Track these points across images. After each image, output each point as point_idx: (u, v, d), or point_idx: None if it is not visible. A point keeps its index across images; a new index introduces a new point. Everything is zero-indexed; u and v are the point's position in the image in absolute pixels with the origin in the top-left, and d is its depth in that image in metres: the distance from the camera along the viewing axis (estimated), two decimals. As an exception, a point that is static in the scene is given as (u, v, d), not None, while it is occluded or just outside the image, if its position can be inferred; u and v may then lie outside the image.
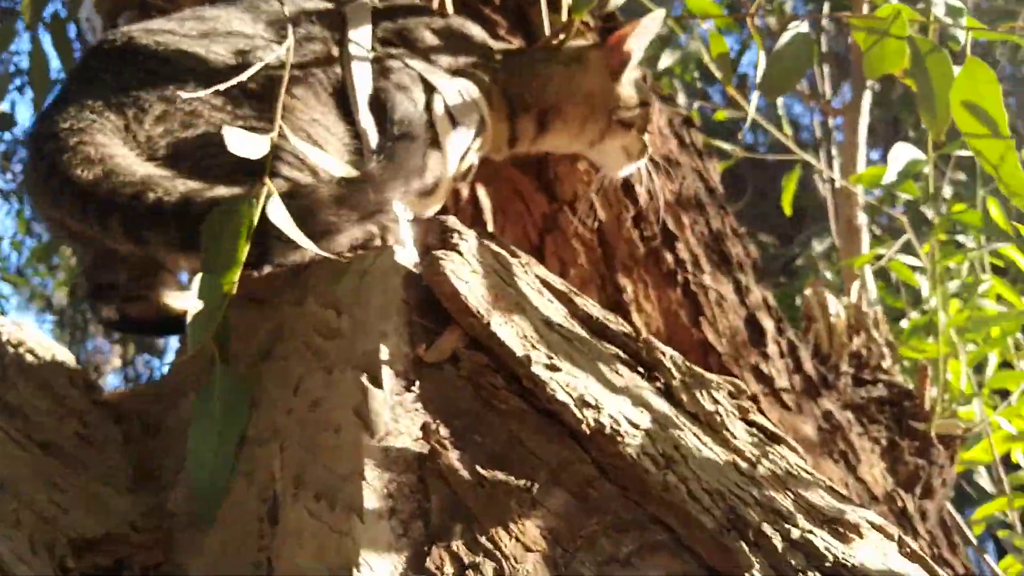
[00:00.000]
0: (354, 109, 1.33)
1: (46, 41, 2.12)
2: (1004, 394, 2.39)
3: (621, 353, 1.11)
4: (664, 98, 2.18)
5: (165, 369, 1.41)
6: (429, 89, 1.42)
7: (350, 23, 1.42)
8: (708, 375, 1.13)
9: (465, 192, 1.96)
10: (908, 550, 1.00)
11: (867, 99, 3.38)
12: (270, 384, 1.06)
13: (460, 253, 1.06)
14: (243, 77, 1.13)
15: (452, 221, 1.13)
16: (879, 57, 1.40)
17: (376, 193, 1.09)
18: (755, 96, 2.00)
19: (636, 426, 0.97)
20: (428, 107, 1.41)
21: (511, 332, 1.00)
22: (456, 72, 1.50)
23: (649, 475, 0.92)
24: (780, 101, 3.36)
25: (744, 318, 2.06)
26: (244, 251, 1.02)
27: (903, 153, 2.06)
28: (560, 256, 1.98)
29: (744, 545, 0.88)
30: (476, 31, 1.61)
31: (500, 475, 0.90)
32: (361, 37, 1.41)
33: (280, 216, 1.01)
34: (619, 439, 0.94)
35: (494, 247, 1.14)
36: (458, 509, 0.88)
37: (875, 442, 2.19)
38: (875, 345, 2.45)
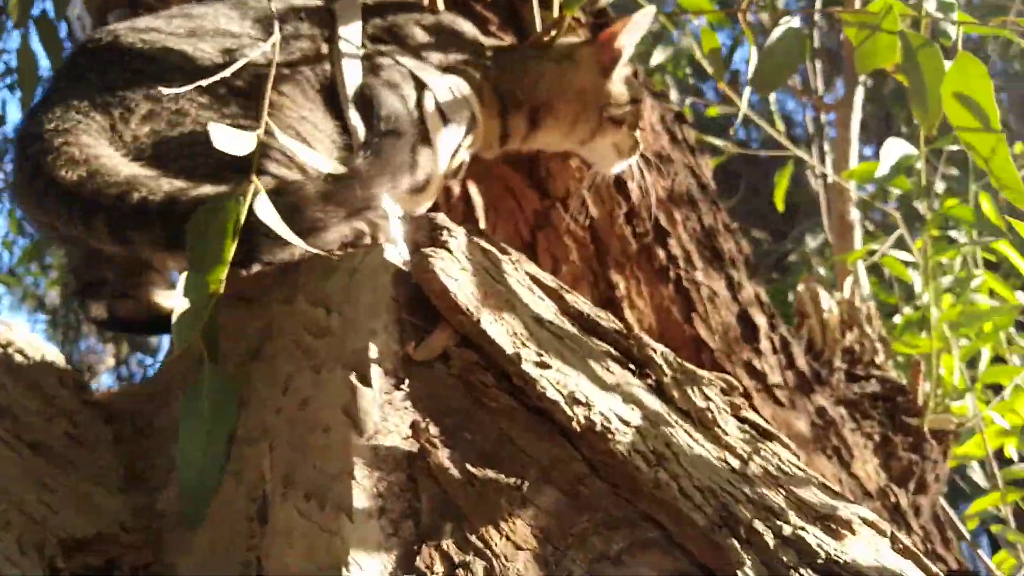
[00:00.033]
0: (344, 106, 1.33)
1: (35, 39, 2.10)
2: (997, 389, 2.39)
3: (612, 350, 1.11)
4: (656, 94, 2.18)
5: (157, 368, 1.40)
6: (420, 86, 1.42)
7: (340, 20, 1.42)
8: (699, 372, 1.13)
9: (457, 189, 1.96)
10: (901, 546, 1.00)
11: (859, 95, 3.38)
12: (259, 383, 1.06)
13: (450, 250, 1.06)
14: (227, 73, 1.12)
15: (441, 218, 1.13)
16: (871, 52, 1.40)
17: (363, 189, 1.09)
18: (747, 92, 2.00)
19: (627, 423, 0.96)
20: (419, 104, 1.40)
21: (501, 330, 1.00)
22: (447, 69, 1.50)
23: (640, 472, 0.92)
24: (772, 97, 3.36)
25: (736, 314, 2.05)
26: (231, 249, 1.01)
27: (895, 148, 2.06)
28: (552, 253, 1.98)
29: (735, 542, 0.88)
30: (467, 27, 1.60)
31: (490, 473, 0.90)
32: (351, 34, 1.40)
33: (268, 213, 1.01)
34: (610, 436, 0.94)
35: (484, 244, 1.13)
36: (448, 508, 0.87)
37: (868, 438, 2.19)
38: (868, 341, 2.45)
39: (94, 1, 2.00)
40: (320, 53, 1.36)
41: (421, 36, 1.50)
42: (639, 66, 2.10)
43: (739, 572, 0.85)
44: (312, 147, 1.21)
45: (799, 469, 1.05)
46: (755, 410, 1.15)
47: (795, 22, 1.57)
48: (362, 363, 0.95)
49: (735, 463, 1.00)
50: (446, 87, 1.46)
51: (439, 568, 0.82)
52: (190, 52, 1.25)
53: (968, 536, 2.49)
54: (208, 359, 1.01)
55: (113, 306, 1.29)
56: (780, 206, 2.89)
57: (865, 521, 0.99)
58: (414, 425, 0.92)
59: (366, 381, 0.94)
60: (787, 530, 0.91)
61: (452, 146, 1.47)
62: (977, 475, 2.62)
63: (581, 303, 1.17)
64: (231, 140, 1.05)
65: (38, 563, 0.93)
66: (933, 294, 2.33)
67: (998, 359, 2.50)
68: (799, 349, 2.19)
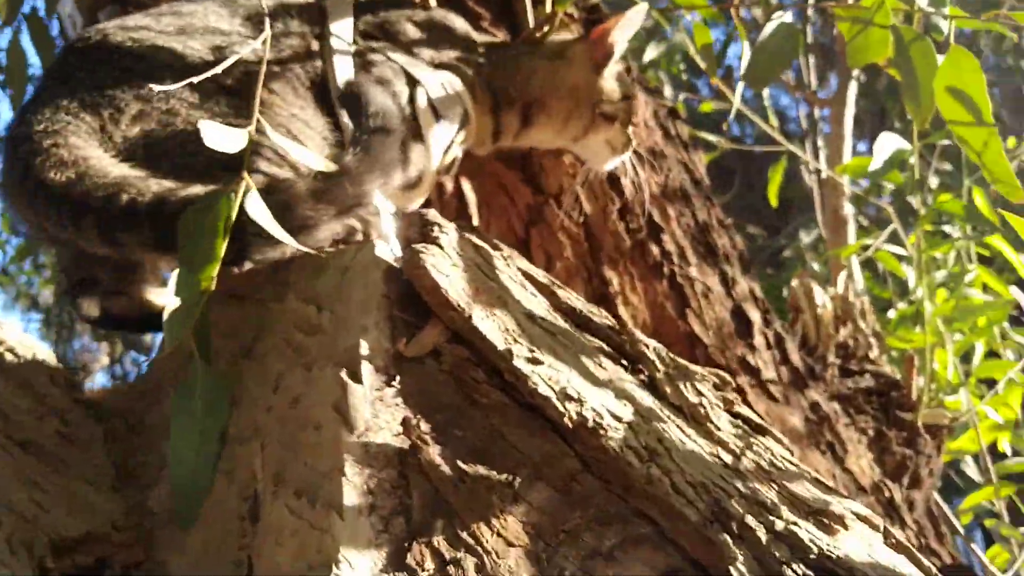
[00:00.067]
0: (335, 103, 1.32)
1: (26, 37, 2.09)
2: (991, 383, 2.39)
3: (604, 346, 1.11)
4: (649, 90, 2.17)
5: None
6: (412, 82, 1.42)
7: (331, 16, 1.41)
8: (692, 367, 1.13)
9: (450, 186, 1.95)
10: (894, 541, 1.00)
11: (853, 90, 3.38)
12: (251, 382, 1.05)
13: (440, 246, 1.05)
14: (217, 70, 1.12)
15: (432, 214, 1.12)
16: (863, 46, 1.40)
17: (353, 187, 1.08)
18: (740, 87, 1.99)
19: (619, 419, 0.96)
20: (411, 100, 1.40)
21: (492, 326, 1.00)
22: (439, 65, 1.49)
23: (632, 468, 0.92)
24: (766, 92, 3.36)
25: (731, 310, 2.05)
26: (222, 246, 1.00)
27: (889, 142, 2.06)
28: (546, 249, 1.97)
29: (728, 537, 0.88)
30: (459, 24, 1.60)
31: (482, 470, 0.90)
32: (342, 30, 1.40)
33: (259, 211, 1.00)
34: (602, 432, 0.93)
35: (475, 240, 1.13)
36: (439, 504, 0.87)
37: (862, 432, 2.19)
38: (862, 335, 2.45)
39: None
40: (310, 50, 1.36)
41: (413, 32, 1.50)
42: (632, 62, 2.10)
43: (731, 568, 0.85)
44: (303, 144, 1.21)
45: (792, 464, 1.05)
46: (748, 405, 1.15)
47: (788, 17, 1.56)
48: (353, 360, 0.95)
49: (728, 458, 1.00)
50: (438, 83, 1.46)
51: (430, 565, 0.82)
52: (180, 50, 1.24)
53: (962, 531, 2.49)
54: (200, 357, 1.01)
55: (105, 304, 1.29)
56: (774, 201, 2.89)
57: (858, 516, 0.99)
58: (405, 422, 0.92)
59: (357, 378, 0.93)
60: (780, 525, 0.91)
61: (445, 142, 1.47)
62: (971, 470, 2.63)
63: (573, 299, 1.16)
64: (222, 137, 1.04)
65: (28, 562, 0.93)
66: (927, 289, 2.33)
67: (992, 354, 2.50)
68: (793, 344, 2.19)
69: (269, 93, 1.24)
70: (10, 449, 1.07)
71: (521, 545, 0.86)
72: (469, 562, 0.83)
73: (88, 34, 1.29)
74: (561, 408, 0.94)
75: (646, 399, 1.03)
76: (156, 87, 1.11)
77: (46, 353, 1.28)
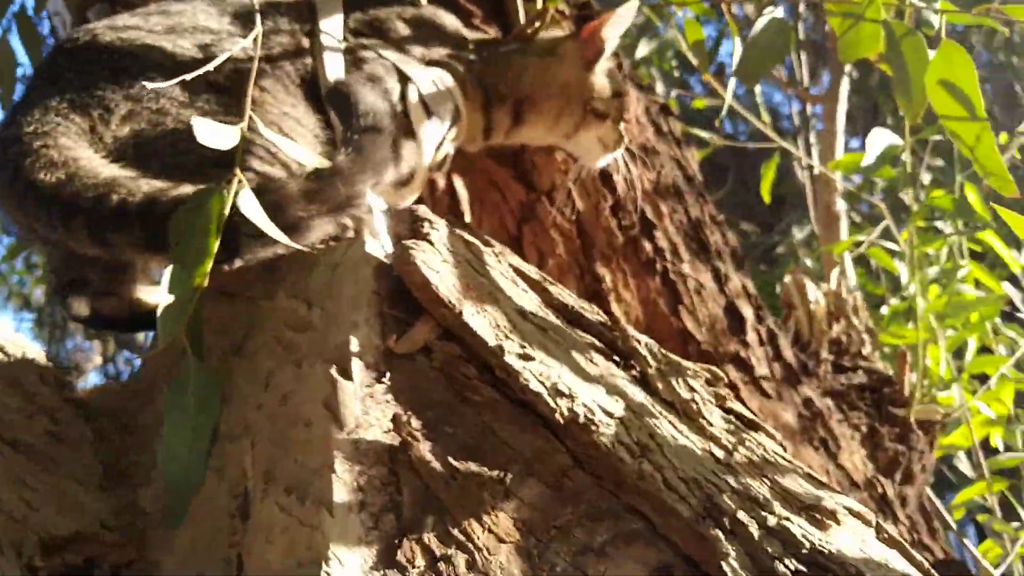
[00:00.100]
0: (325, 100, 1.32)
1: (13, 37, 2.08)
2: (983, 379, 2.40)
3: (596, 342, 1.11)
4: (642, 87, 2.17)
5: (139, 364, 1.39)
6: (403, 79, 1.41)
7: (321, 13, 1.41)
8: (684, 363, 1.12)
9: (442, 183, 1.95)
10: (886, 536, 0.99)
11: (845, 86, 3.38)
12: (241, 379, 1.05)
13: (431, 242, 1.05)
14: (210, 67, 1.12)
15: (423, 210, 1.12)
16: (854, 41, 1.40)
17: (346, 187, 1.08)
18: (731, 82, 1.99)
19: (611, 415, 0.96)
20: (403, 97, 1.39)
21: (483, 322, 0.99)
22: (430, 62, 1.49)
23: (624, 464, 0.92)
24: (758, 89, 3.36)
25: (723, 306, 2.05)
26: (215, 243, 1.00)
27: (881, 138, 2.06)
28: (538, 246, 1.97)
29: (720, 533, 0.88)
30: (449, 20, 1.59)
31: (473, 466, 0.90)
32: (332, 27, 1.39)
33: (252, 208, 1.00)
34: (593, 428, 0.93)
35: (466, 236, 1.13)
36: (430, 501, 0.87)
37: (855, 429, 2.19)
38: (855, 332, 2.45)
39: (73, -2, 1.99)
40: (301, 47, 1.36)
41: (403, 29, 1.50)
42: (624, 59, 2.10)
43: (724, 563, 0.85)
44: (295, 142, 1.21)
45: (784, 460, 1.05)
46: (741, 401, 1.15)
47: (779, 12, 1.56)
48: (343, 357, 0.95)
49: (720, 454, 1.00)
50: (429, 80, 1.45)
51: (420, 562, 0.81)
52: (169, 49, 1.24)
53: (954, 526, 2.50)
54: (192, 354, 1.01)
55: (95, 304, 1.28)
56: (767, 198, 2.89)
57: (851, 511, 0.99)
58: (396, 418, 0.92)
59: (347, 375, 0.93)
60: (772, 521, 0.91)
61: (436, 139, 1.46)
62: (963, 465, 2.63)
63: (565, 295, 1.16)
64: (215, 134, 1.04)
65: (16, 562, 0.92)
66: (919, 285, 2.34)
67: (984, 349, 2.50)
68: (786, 341, 2.19)
69: (260, 91, 1.23)
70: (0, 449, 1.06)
71: (512, 541, 0.86)
72: (460, 559, 0.83)
73: (77, 34, 1.28)
74: (552, 404, 0.94)
75: (638, 395, 1.03)
76: (150, 85, 1.11)
77: (36, 352, 1.27)
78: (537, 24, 1.68)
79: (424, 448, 0.90)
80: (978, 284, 2.49)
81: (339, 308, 1.01)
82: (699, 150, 2.55)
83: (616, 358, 1.09)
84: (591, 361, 1.05)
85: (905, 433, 2.24)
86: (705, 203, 2.15)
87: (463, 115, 1.52)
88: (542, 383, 0.95)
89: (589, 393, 0.98)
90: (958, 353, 2.47)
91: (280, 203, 1.04)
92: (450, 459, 0.90)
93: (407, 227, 1.10)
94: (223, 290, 1.14)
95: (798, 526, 0.91)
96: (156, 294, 1.28)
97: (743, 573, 0.85)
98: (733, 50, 1.77)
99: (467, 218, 1.97)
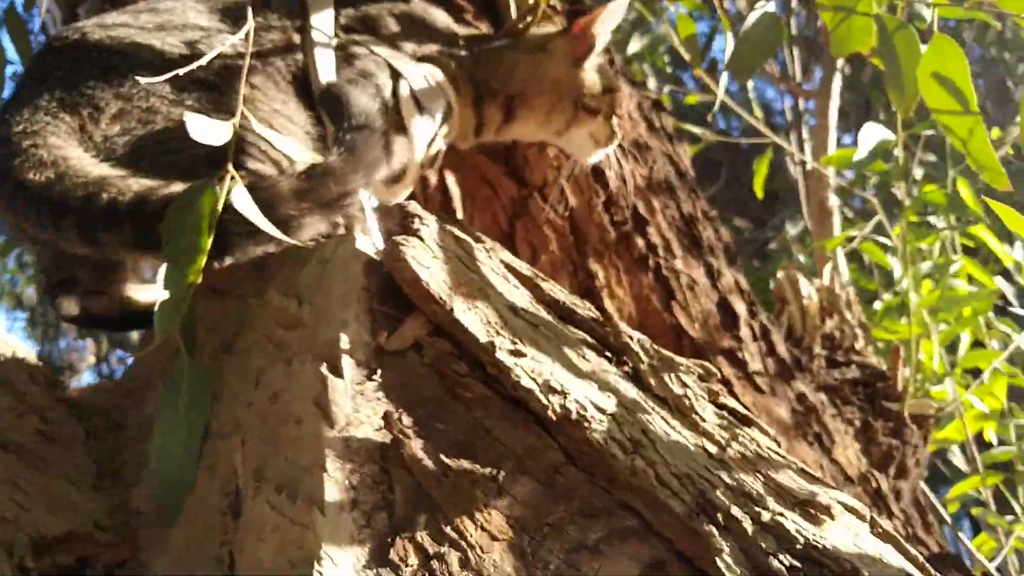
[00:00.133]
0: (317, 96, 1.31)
1: (3, 34, 2.07)
2: (976, 373, 2.40)
3: (588, 338, 1.10)
4: (634, 83, 2.17)
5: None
6: (395, 75, 1.41)
7: (312, 9, 1.40)
8: (677, 358, 1.12)
9: (433, 179, 1.94)
10: (880, 530, 0.99)
11: (837, 82, 3.38)
12: (231, 377, 1.05)
13: (421, 238, 1.04)
14: (197, 64, 1.11)
15: (413, 206, 1.12)
16: (846, 35, 1.40)
17: (338, 186, 1.07)
18: (724, 77, 1.99)
19: (603, 411, 0.96)
20: (395, 93, 1.39)
21: (474, 318, 0.99)
22: (422, 58, 1.49)
23: (617, 460, 0.91)
24: (751, 85, 3.36)
25: (716, 302, 2.05)
26: (208, 239, 1.00)
27: (873, 133, 2.06)
28: (531, 242, 1.97)
29: (714, 529, 0.87)
30: (440, 17, 1.59)
31: (465, 464, 0.89)
32: (323, 22, 1.39)
33: (245, 204, 0.99)
34: (586, 425, 0.93)
35: (456, 232, 1.12)
36: (422, 499, 0.86)
37: (849, 423, 2.19)
38: (848, 327, 2.45)
39: (64, -5, 1.98)
40: (291, 44, 1.35)
41: (394, 26, 1.49)
42: (616, 55, 2.09)
43: (717, 559, 0.85)
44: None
45: (778, 455, 1.04)
46: (735, 397, 1.15)
47: (771, 7, 1.56)
48: (333, 354, 0.94)
49: (713, 449, 0.99)
50: (421, 76, 1.45)
51: (413, 560, 0.81)
52: (159, 46, 1.23)
53: (949, 520, 2.50)
54: (186, 351, 1.00)
55: (85, 303, 1.28)
56: (759, 193, 2.89)
57: (845, 506, 0.99)
58: (387, 416, 0.91)
59: (337, 372, 0.93)
60: (766, 516, 0.90)
61: (428, 135, 1.46)
62: (957, 459, 2.63)
63: (557, 291, 1.16)
64: (207, 130, 1.03)
65: (7, 562, 0.92)
66: (912, 280, 2.34)
67: (977, 344, 2.51)
68: (779, 336, 2.19)
69: (251, 88, 1.23)
70: (-11, 448, 1.06)
71: (505, 539, 0.85)
72: (453, 556, 0.82)
73: (66, 33, 1.28)
74: (544, 400, 0.94)
75: (630, 391, 1.03)
76: (142, 80, 1.10)
77: (26, 351, 1.27)
78: (528, 19, 1.67)
79: (416, 445, 0.90)
80: (971, 279, 2.49)
81: (329, 305, 1.00)
82: (692, 146, 2.56)
83: (608, 354, 1.09)
84: (583, 357, 1.05)
85: (899, 427, 2.24)
86: (698, 199, 2.15)
87: (455, 111, 1.52)
88: (534, 379, 0.95)
89: (581, 389, 0.97)
90: (951, 348, 2.47)
91: (271, 201, 1.04)
92: (442, 456, 0.89)
93: (397, 223, 1.10)
94: (214, 288, 1.13)
95: (792, 521, 0.91)
96: (146, 292, 1.28)
97: (737, 569, 0.84)
98: (725, 46, 1.76)
99: (459, 214, 1.97)
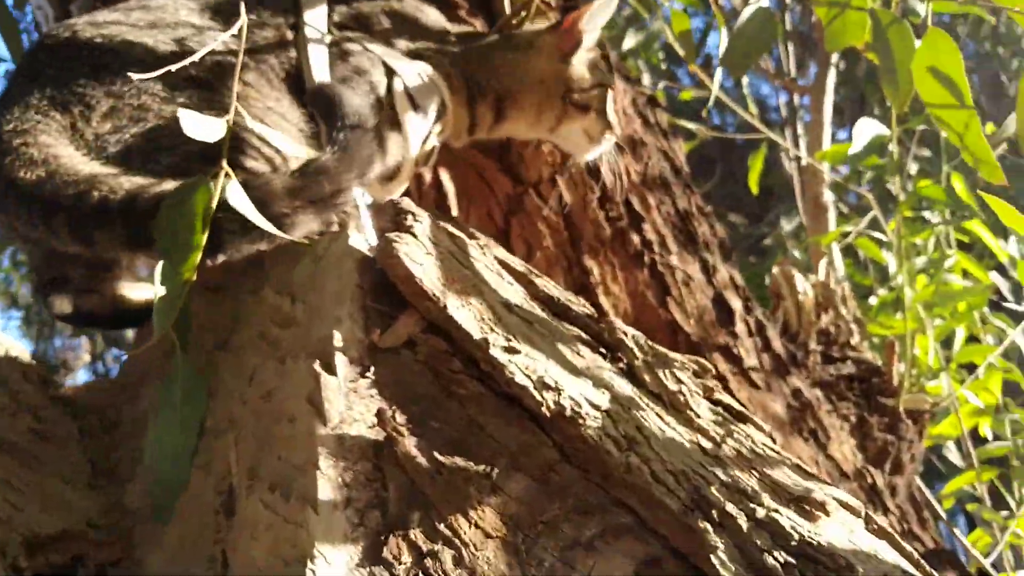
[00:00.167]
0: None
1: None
2: (971, 368, 2.40)
3: (583, 334, 1.10)
4: (629, 79, 2.16)
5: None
6: (389, 72, 1.40)
7: (305, 6, 1.40)
8: (671, 354, 1.12)
9: (428, 176, 1.94)
10: (875, 526, 0.99)
11: (832, 77, 3.38)
12: (226, 375, 1.05)
13: (414, 235, 1.04)
14: (189, 61, 1.11)
15: (406, 203, 1.11)
16: (841, 30, 1.39)
17: (331, 184, 1.07)
18: (718, 73, 1.99)
19: (597, 408, 0.95)
20: (389, 89, 1.39)
21: (468, 315, 0.99)
22: (415, 56, 1.48)
23: (611, 457, 0.91)
24: (746, 80, 3.36)
25: (712, 298, 2.05)
26: (202, 236, 0.99)
27: (868, 128, 2.06)
28: (526, 239, 1.97)
29: (708, 525, 0.87)
30: (433, 14, 1.58)
31: (459, 461, 0.89)
32: (316, 18, 1.38)
33: (239, 199, 0.99)
34: (580, 421, 0.93)
35: (450, 228, 1.12)
36: (416, 497, 0.86)
37: (844, 419, 2.20)
38: (843, 322, 2.45)
39: (55, -9, 1.97)
40: (284, 41, 1.34)
41: (387, 23, 1.49)
42: (611, 51, 2.09)
43: (712, 556, 0.85)
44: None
45: (773, 451, 1.04)
46: (730, 393, 1.15)
47: (765, 2, 1.56)
48: (326, 352, 0.94)
49: (708, 446, 0.99)
50: (415, 73, 1.44)
51: (407, 558, 0.81)
52: (151, 44, 1.23)
53: (944, 515, 2.51)
54: (180, 348, 1.00)
55: (78, 302, 1.27)
56: (754, 188, 2.89)
57: (840, 502, 0.98)
58: (380, 413, 0.91)
59: (331, 370, 0.92)
60: (760, 512, 0.90)
61: (423, 132, 1.45)
62: (952, 454, 2.64)
63: (551, 287, 1.16)
64: (201, 127, 1.03)
65: (0, 562, 0.92)
66: (907, 275, 2.34)
67: (972, 339, 2.51)
68: (774, 332, 2.19)
69: (244, 86, 1.22)
70: (-18, 447, 1.06)
71: (499, 536, 0.85)
72: (447, 554, 0.82)
73: (57, 31, 1.27)
74: (539, 397, 0.93)
75: (625, 387, 1.03)
76: (134, 76, 1.09)
77: (19, 350, 1.26)
78: (523, 14, 1.67)
79: (409, 443, 0.89)
80: (965, 274, 2.50)
81: (322, 302, 1.00)
82: (687, 142, 2.55)
83: (603, 350, 1.09)
84: (577, 354, 1.05)
85: (894, 423, 2.25)
86: (693, 194, 2.15)
87: (449, 109, 1.51)
88: (528, 376, 0.95)
89: (576, 386, 0.97)
90: (946, 343, 2.47)
91: (264, 199, 1.03)
92: (436, 454, 0.89)
93: (390, 220, 1.09)
94: (209, 285, 1.13)
95: (787, 518, 0.91)
96: (139, 291, 1.28)
97: (732, 566, 0.84)
98: (720, 42, 1.76)
99: (454, 211, 1.96)
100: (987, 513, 2.31)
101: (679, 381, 1.07)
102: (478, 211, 1.98)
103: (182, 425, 0.98)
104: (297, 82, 1.32)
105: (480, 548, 0.83)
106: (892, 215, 2.42)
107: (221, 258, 1.10)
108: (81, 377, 6.61)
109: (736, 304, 2.08)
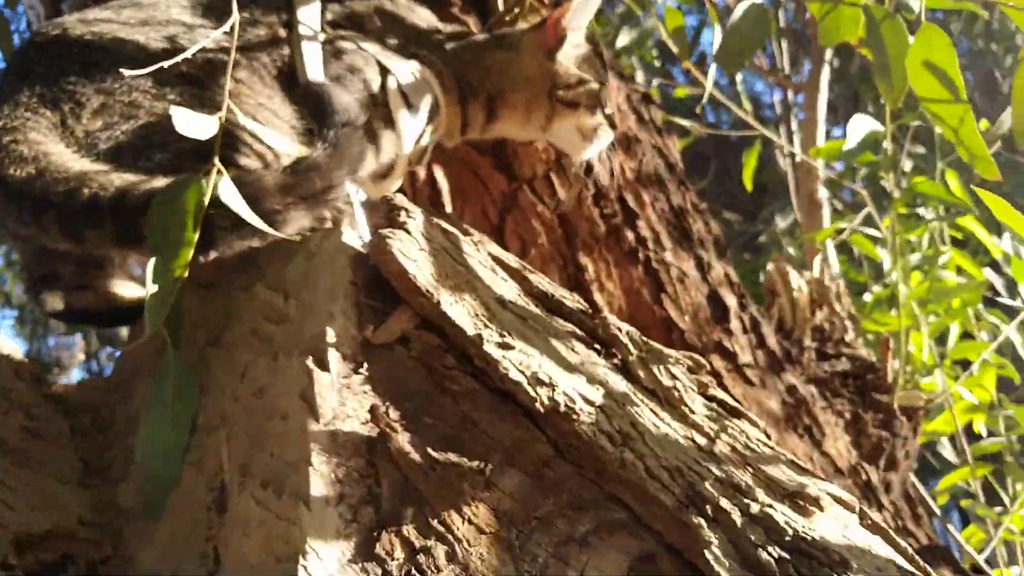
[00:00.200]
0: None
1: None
2: (965, 364, 2.40)
3: (577, 330, 1.10)
4: (623, 76, 2.16)
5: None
6: (383, 71, 1.40)
7: (298, 3, 1.39)
8: (666, 350, 1.11)
9: (422, 173, 1.94)
10: (870, 522, 0.99)
11: (826, 75, 3.38)
12: (218, 371, 1.04)
13: (408, 231, 1.04)
14: (181, 57, 1.10)
15: (399, 199, 1.11)
16: (834, 25, 1.39)
17: (322, 180, 1.07)
18: (712, 70, 1.99)
19: (591, 403, 0.95)
20: (383, 87, 1.38)
21: (462, 311, 0.98)
22: (409, 55, 1.48)
23: (606, 453, 0.91)
24: (740, 77, 3.36)
25: (706, 294, 2.05)
26: (194, 233, 0.99)
27: (862, 124, 2.06)
28: (520, 236, 1.96)
29: (703, 521, 0.87)
30: (425, 14, 1.58)
31: (452, 457, 0.89)
32: (310, 17, 1.38)
33: (231, 196, 0.99)
34: (574, 417, 0.92)
35: (444, 224, 1.12)
36: (409, 493, 0.86)
37: (839, 415, 2.20)
38: (838, 319, 2.46)
39: (46, -12, 1.96)
40: (277, 38, 1.34)
41: (380, 22, 1.48)
42: (606, 49, 2.09)
43: (706, 551, 0.84)
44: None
45: (767, 447, 1.04)
46: (725, 389, 1.15)
47: (759, -2, 1.56)
48: (319, 348, 0.94)
49: (702, 441, 0.99)
50: (408, 72, 1.44)
51: (399, 554, 0.81)
52: (142, 41, 1.22)
53: (938, 511, 2.51)
54: (171, 345, 1.00)
55: (70, 298, 1.27)
56: (748, 185, 2.89)
57: (834, 498, 0.98)
58: (373, 409, 0.91)
59: (323, 366, 0.92)
60: (755, 508, 0.90)
61: (416, 130, 1.45)
62: (947, 451, 2.64)
63: (545, 283, 1.15)
64: (193, 124, 1.03)
65: (-9, 561, 0.91)
66: (901, 272, 2.34)
67: (966, 335, 2.51)
68: (769, 328, 2.19)
69: (235, 83, 1.22)
70: (-27, 446, 1.05)
71: (493, 532, 0.85)
72: (440, 550, 0.82)
73: (46, 28, 1.27)
74: (532, 393, 0.93)
75: (619, 383, 1.02)
76: (125, 72, 1.09)
77: (11, 348, 1.26)
78: (516, 11, 1.66)
79: (403, 439, 0.89)
80: (960, 270, 2.50)
81: (315, 299, 1.00)
82: (681, 139, 2.55)
83: (597, 346, 1.09)
84: (571, 349, 1.05)
85: (889, 419, 2.25)
86: (687, 191, 2.15)
87: (442, 109, 1.51)
88: (522, 372, 0.95)
89: (570, 382, 0.97)
90: (940, 339, 2.48)
91: (255, 195, 1.03)
92: (429, 450, 0.89)
93: (383, 216, 1.09)
94: (201, 282, 1.13)
95: (781, 513, 0.90)
96: (132, 289, 1.27)
97: (726, 561, 0.84)
98: (714, 39, 1.76)
99: (448, 209, 1.96)
100: (981, 509, 2.31)
101: (673, 377, 1.07)
102: (472, 209, 1.98)
103: (173, 422, 0.97)
104: (290, 80, 1.32)
105: (473, 544, 0.83)
106: (886, 212, 2.42)
107: (213, 255, 1.10)
108: (75, 376, 6.60)
109: (731, 301, 2.08)
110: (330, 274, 1.01)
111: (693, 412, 1.04)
